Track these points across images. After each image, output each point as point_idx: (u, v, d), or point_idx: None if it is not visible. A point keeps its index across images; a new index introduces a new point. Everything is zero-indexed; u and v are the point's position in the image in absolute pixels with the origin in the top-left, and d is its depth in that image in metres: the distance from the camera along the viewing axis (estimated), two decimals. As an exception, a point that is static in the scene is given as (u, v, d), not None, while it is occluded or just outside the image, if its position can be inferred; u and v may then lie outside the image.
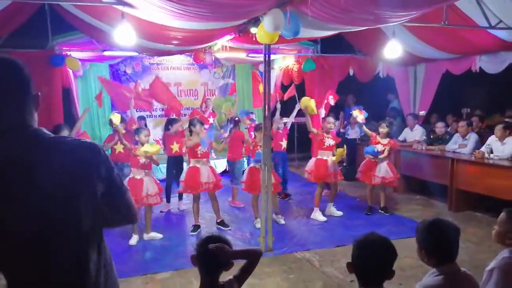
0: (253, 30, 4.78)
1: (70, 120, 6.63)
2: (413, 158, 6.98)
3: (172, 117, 6.67)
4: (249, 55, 7.97)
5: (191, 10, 3.60)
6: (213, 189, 5.26)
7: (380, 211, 6.12)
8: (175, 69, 9.74)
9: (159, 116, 9.35)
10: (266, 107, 4.51)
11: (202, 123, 5.34)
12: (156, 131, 8.90)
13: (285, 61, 9.13)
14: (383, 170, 5.99)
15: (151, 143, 5.05)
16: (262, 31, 4.13)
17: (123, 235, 5.22)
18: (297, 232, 5.36)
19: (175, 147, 5.95)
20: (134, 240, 4.98)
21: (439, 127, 7.00)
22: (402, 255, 4.53)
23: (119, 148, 5.83)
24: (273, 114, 6.13)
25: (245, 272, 1.83)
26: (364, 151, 6.18)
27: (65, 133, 5.37)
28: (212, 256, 1.70)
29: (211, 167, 5.40)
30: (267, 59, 4.41)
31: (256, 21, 4.83)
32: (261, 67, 9.64)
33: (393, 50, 5.41)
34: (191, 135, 5.27)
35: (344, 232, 5.24)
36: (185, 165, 5.97)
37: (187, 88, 9.89)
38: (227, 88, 10.29)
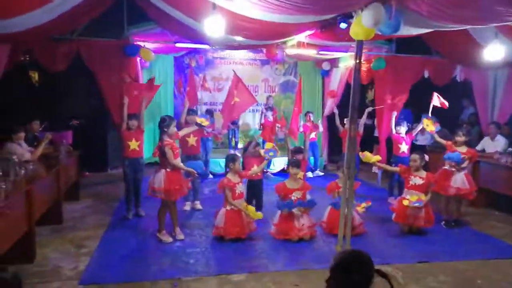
0: (342, 25, 4.52)
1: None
2: (493, 170, 6.43)
3: (251, 140, 6.11)
4: (320, 52, 7.67)
5: (290, 2, 3.39)
6: None
7: (443, 223, 5.64)
8: (237, 64, 9.63)
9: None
10: (354, 106, 4.24)
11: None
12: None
13: (352, 60, 8.75)
14: (460, 180, 5.55)
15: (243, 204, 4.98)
16: (358, 26, 3.86)
17: (198, 230, 5.18)
18: (375, 243, 5.05)
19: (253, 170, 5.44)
20: None
21: (524, 138, 6.41)
22: (497, 278, 3.74)
23: (191, 141, 5.89)
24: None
25: None
26: (446, 156, 5.72)
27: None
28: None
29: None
30: (358, 56, 4.12)
31: (344, 17, 4.58)
32: (325, 65, 9.35)
33: (494, 53, 4.92)
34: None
35: (423, 247, 4.87)
36: None
37: (248, 83, 9.68)
38: (288, 85, 10.06)
